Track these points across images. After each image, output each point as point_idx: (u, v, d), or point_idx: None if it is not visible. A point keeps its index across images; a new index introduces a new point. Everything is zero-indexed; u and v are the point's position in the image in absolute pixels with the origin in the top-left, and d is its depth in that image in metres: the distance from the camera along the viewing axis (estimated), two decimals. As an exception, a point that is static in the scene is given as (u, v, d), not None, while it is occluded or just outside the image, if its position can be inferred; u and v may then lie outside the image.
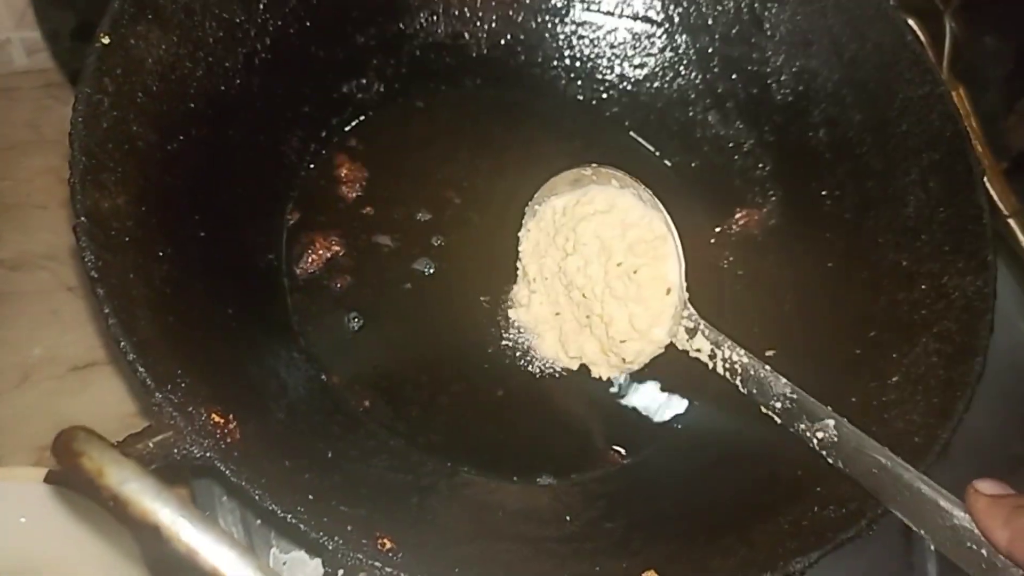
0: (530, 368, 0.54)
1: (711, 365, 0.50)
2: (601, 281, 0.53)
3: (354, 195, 0.58)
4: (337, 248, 0.55)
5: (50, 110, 0.88)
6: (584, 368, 0.54)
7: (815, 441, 0.44)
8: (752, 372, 0.48)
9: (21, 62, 0.91)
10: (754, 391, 0.48)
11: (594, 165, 0.54)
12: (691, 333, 0.51)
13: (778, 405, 0.46)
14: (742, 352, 0.49)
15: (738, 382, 0.49)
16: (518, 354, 0.54)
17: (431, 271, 0.56)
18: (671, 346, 0.52)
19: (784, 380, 0.46)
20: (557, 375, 0.54)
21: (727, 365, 0.49)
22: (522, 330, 0.55)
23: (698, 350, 0.51)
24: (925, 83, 0.53)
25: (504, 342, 0.54)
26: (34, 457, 0.70)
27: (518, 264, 0.57)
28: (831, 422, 0.43)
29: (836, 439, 0.43)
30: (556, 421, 0.53)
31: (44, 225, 0.80)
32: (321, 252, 0.55)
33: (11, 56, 0.90)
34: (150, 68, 0.47)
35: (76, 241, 0.39)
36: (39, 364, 0.73)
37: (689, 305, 0.52)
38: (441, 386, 0.52)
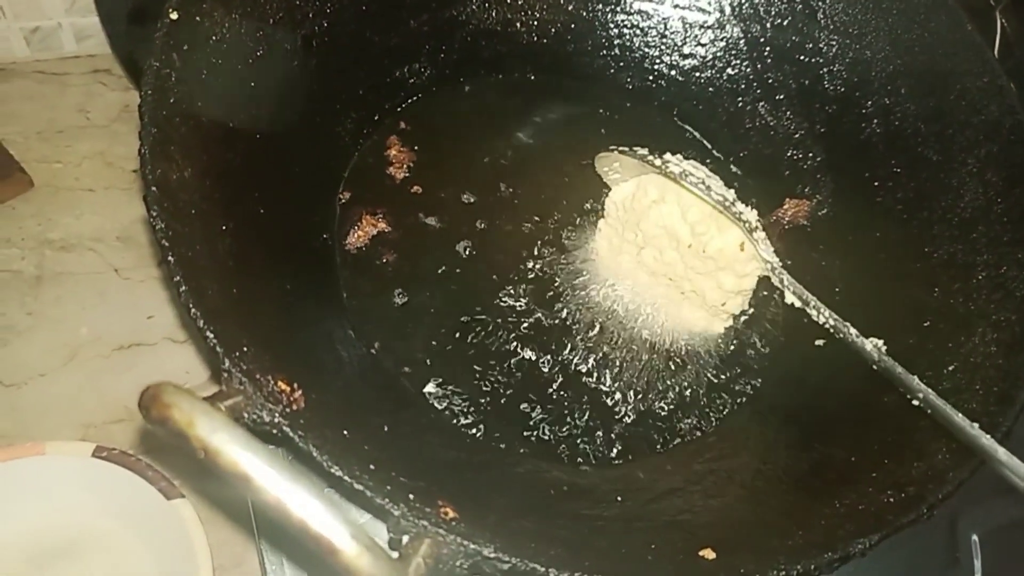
0: (571, 353, 0.54)
1: (812, 315, 0.52)
2: (680, 263, 0.53)
3: (402, 176, 0.58)
4: (384, 226, 0.56)
5: (98, 96, 0.90)
6: (629, 354, 0.54)
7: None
8: (840, 336, 0.49)
9: (70, 47, 0.92)
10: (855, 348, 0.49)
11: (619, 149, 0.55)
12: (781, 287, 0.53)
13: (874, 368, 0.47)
14: (828, 313, 0.50)
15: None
16: (563, 336, 0.54)
17: (472, 253, 0.56)
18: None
19: (872, 346, 0.48)
20: (603, 358, 0.54)
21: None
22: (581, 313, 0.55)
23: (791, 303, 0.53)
24: (984, 73, 0.53)
25: (551, 321, 0.55)
26: (80, 433, 0.71)
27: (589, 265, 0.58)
28: (920, 395, 0.44)
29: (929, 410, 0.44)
30: (602, 403, 0.52)
31: (92, 208, 0.82)
32: (368, 229, 0.55)
33: (61, 41, 0.92)
34: (214, 46, 0.47)
35: (147, 211, 0.40)
36: (86, 343, 0.75)
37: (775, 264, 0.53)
38: (488, 367, 0.52)
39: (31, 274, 0.77)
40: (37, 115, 0.88)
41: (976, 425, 0.42)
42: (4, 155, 0.81)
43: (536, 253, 0.57)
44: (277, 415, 0.36)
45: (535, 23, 0.65)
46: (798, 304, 0.53)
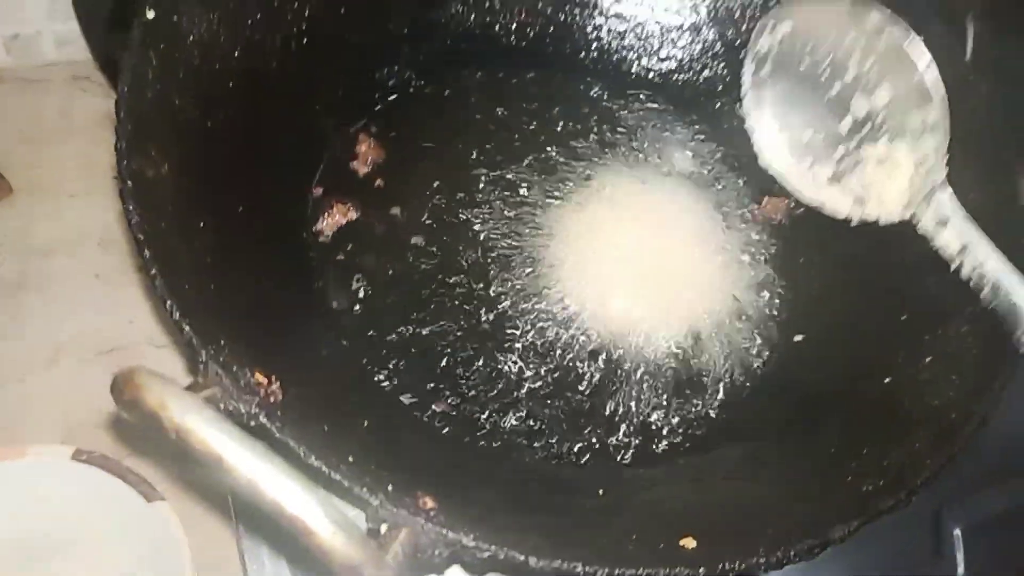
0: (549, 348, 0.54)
1: (954, 265, 0.47)
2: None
3: (371, 171, 0.59)
4: (354, 217, 0.56)
5: (79, 101, 0.90)
6: (621, 343, 0.54)
7: None
8: (1005, 292, 0.44)
9: (50, 54, 0.92)
10: (1000, 310, 0.44)
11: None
12: (942, 223, 0.48)
13: None
14: (1001, 264, 0.45)
15: (984, 295, 0.45)
16: (538, 331, 0.55)
17: (441, 247, 0.56)
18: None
19: None
20: (580, 350, 0.54)
21: (974, 273, 0.46)
22: (559, 304, 0.55)
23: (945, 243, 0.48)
24: (951, 73, 0.54)
25: (524, 314, 0.55)
26: (61, 436, 0.70)
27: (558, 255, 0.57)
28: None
29: None
30: (583, 400, 0.53)
31: (73, 213, 0.82)
32: (338, 218, 0.56)
33: (41, 48, 0.92)
34: (192, 44, 0.47)
35: (122, 204, 0.40)
36: (67, 347, 0.75)
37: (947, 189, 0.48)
38: (462, 365, 0.52)
39: (12, 279, 0.77)
40: (18, 121, 0.88)
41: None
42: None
43: (507, 245, 0.57)
44: (254, 406, 0.36)
45: (514, 26, 0.66)
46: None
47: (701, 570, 0.36)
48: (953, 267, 0.47)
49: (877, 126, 0.51)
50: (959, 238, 0.47)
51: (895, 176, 0.50)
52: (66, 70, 0.92)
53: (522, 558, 0.35)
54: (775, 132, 0.54)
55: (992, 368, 0.44)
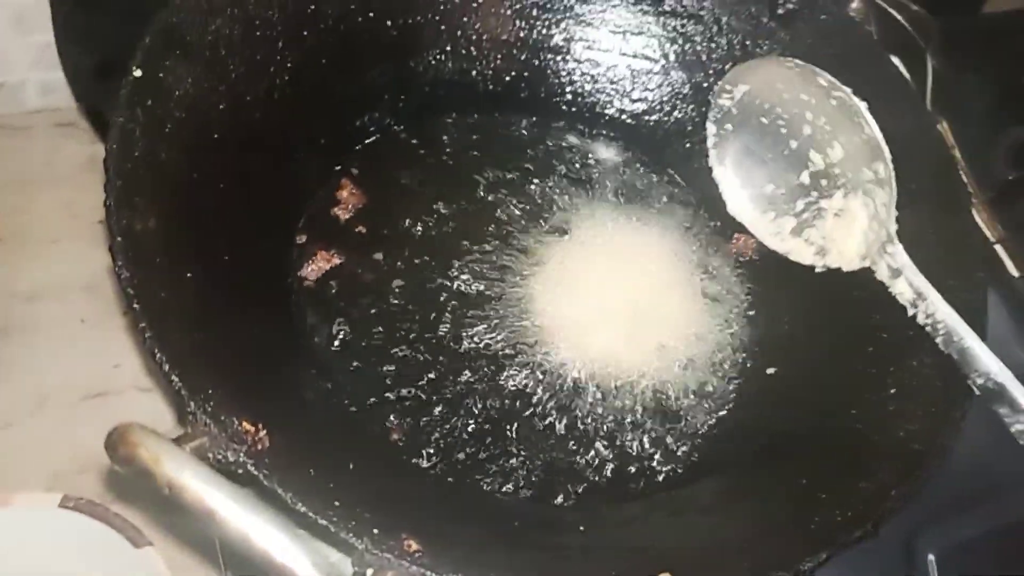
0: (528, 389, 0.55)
1: (910, 312, 0.49)
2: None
3: (351, 216, 0.60)
4: (337, 262, 0.57)
5: (64, 148, 0.91)
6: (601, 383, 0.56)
7: (1014, 428, 0.44)
8: (956, 339, 0.46)
9: (34, 101, 0.94)
10: (954, 356, 0.46)
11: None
12: (896, 274, 0.50)
13: (979, 381, 0.45)
14: (950, 313, 0.47)
15: (938, 341, 0.47)
16: (521, 372, 0.56)
17: (419, 290, 0.58)
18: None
19: (995, 359, 0.45)
20: (559, 391, 0.55)
21: (928, 320, 0.47)
22: (537, 344, 0.57)
23: (900, 292, 0.50)
24: (911, 112, 0.57)
25: (505, 356, 0.56)
26: (48, 483, 0.71)
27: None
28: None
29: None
30: (562, 438, 0.54)
31: (58, 259, 0.82)
32: (322, 265, 0.57)
33: (26, 96, 0.93)
34: (178, 99, 0.49)
35: (112, 260, 0.41)
36: (53, 393, 0.75)
37: (897, 244, 0.50)
38: (445, 404, 0.53)
39: (3, 327, 0.77)
40: (2, 168, 0.89)
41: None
42: (-32, 209, 0.82)
43: (485, 288, 0.59)
44: (242, 455, 0.37)
45: (490, 72, 0.68)
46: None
47: (678, 605, 0.37)
48: (910, 314, 0.49)
49: (833, 180, 0.53)
50: (912, 288, 0.49)
51: (852, 228, 0.52)
52: (51, 117, 0.93)
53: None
54: (738, 187, 0.56)
55: (953, 399, 0.46)
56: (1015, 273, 0.71)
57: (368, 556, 0.36)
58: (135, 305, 0.40)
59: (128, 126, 0.45)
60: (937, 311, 0.47)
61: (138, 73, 0.47)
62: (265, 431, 0.39)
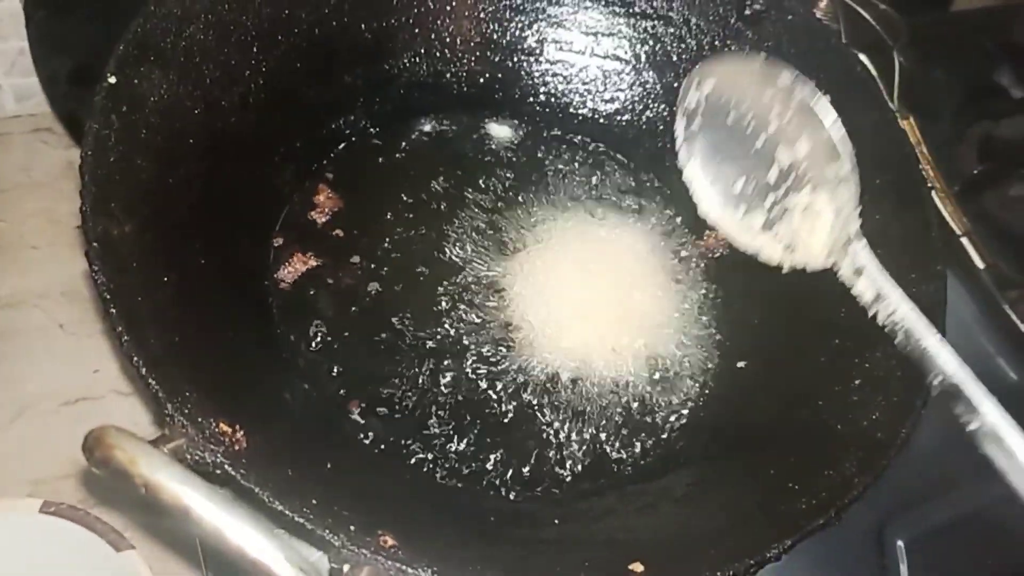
0: (500, 386, 0.56)
1: (871, 311, 0.49)
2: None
3: (328, 220, 0.61)
4: (314, 264, 0.58)
5: (40, 154, 0.91)
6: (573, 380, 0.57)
7: (969, 427, 0.44)
8: (915, 338, 0.46)
9: (11, 107, 0.94)
10: (913, 355, 0.46)
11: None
12: (858, 272, 0.50)
13: (937, 380, 0.45)
14: (910, 312, 0.47)
15: (898, 341, 0.47)
16: (491, 369, 0.57)
17: (394, 291, 0.58)
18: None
19: (952, 358, 0.45)
20: (534, 388, 0.56)
21: (888, 319, 0.48)
22: (512, 343, 0.58)
23: (861, 291, 0.50)
24: (874, 109, 0.58)
25: (478, 355, 0.57)
26: (28, 489, 0.71)
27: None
28: (989, 416, 0.43)
29: (989, 431, 0.43)
30: (538, 433, 0.55)
31: (37, 265, 0.83)
32: (299, 267, 0.58)
33: (1, 102, 0.93)
34: (152, 106, 0.50)
35: (88, 265, 0.42)
36: (32, 400, 0.75)
37: (862, 243, 0.51)
38: (420, 403, 0.54)
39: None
40: (-21, 175, 0.89)
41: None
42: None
43: (457, 291, 0.60)
44: (219, 455, 0.38)
45: (464, 74, 0.69)
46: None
47: (647, 592, 0.38)
48: (870, 313, 0.49)
49: (800, 176, 0.54)
50: (873, 287, 0.50)
51: (818, 225, 0.53)
52: (27, 123, 0.93)
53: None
54: (708, 184, 0.57)
55: (915, 389, 0.47)
56: (980, 265, 0.72)
57: (345, 552, 0.37)
58: (111, 309, 0.40)
59: (103, 132, 0.46)
60: (897, 310, 0.48)
61: (112, 80, 0.47)
62: (242, 432, 0.40)
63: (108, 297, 0.41)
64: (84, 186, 0.43)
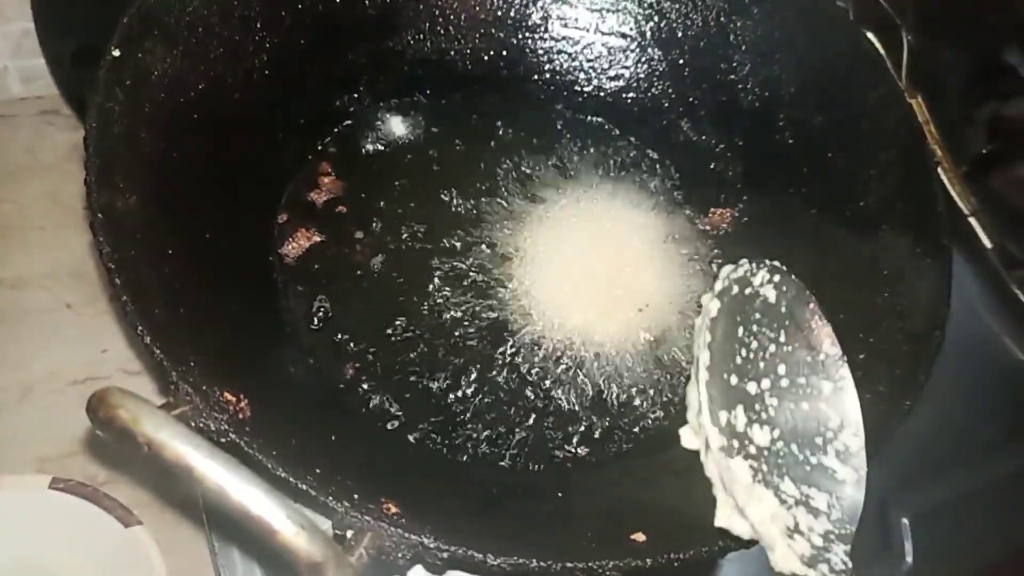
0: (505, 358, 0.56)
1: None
2: None
3: (331, 197, 0.61)
4: (318, 240, 0.58)
5: (46, 136, 0.91)
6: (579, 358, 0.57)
7: None
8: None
9: (17, 90, 0.94)
10: None
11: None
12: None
13: None
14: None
15: None
16: (496, 342, 0.57)
17: (396, 265, 0.58)
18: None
19: None
20: (539, 362, 0.56)
21: None
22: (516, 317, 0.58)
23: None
24: (881, 85, 0.58)
25: (482, 328, 0.57)
26: (36, 467, 0.71)
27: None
28: None
29: None
30: (540, 408, 0.55)
31: (43, 246, 0.83)
32: (303, 243, 0.58)
33: (8, 84, 0.93)
34: (156, 80, 0.50)
35: (93, 236, 0.42)
36: (40, 380, 0.75)
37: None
38: (425, 376, 0.54)
39: (-16, 313, 0.78)
40: (-14, 157, 0.89)
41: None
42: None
43: (465, 265, 0.60)
44: (223, 423, 0.38)
45: (469, 51, 0.68)
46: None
47: (648, 560, 0.38)
48: None
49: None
50: None
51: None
52: (33, 105, 0.93)
53: (480, 556, 0.37)
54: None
55: (917, 361, 0.47)
56: (988, 245, 0.72)
57: (348, 518, 0.37)
58: (116, 280, 0.40)
59: (107, 105, 0.46)
60: None
61: (116, 53, 0.47)
62: (246, 401, 0.40)
63: (112, 267, 0.41)
64: (88, 158, 0.44)
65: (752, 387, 0.43)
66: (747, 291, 0.45)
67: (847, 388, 0.43)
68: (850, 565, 0.38)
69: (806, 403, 0.43)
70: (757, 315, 0.45)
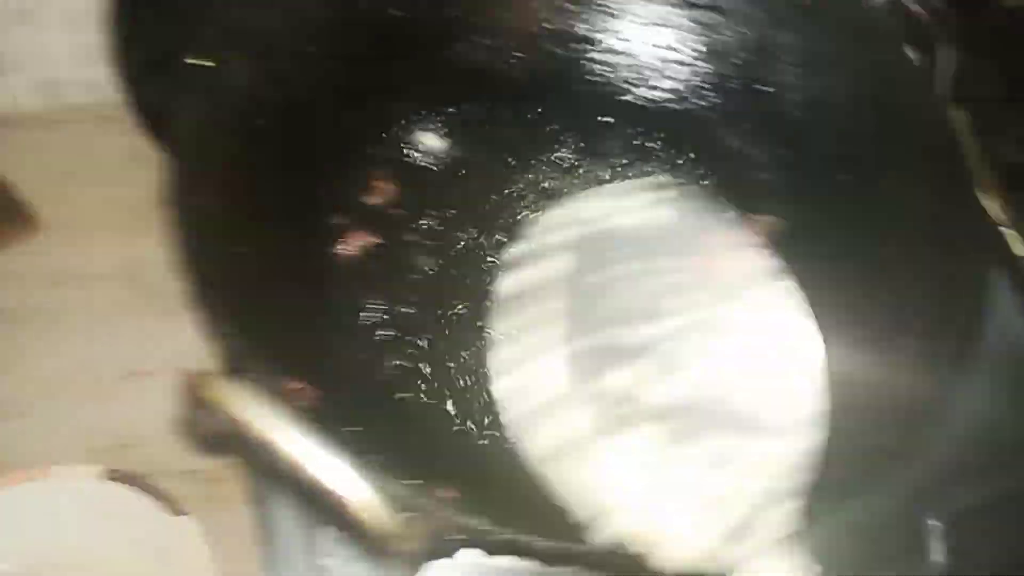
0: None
1: None
2: None
3: (388, 201, 0.63)
4: (372, 242, 0.61)
5: (104, 141, 0.94)
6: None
7: None
8: None
9: (78, 96, 0.97)
10: None
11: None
12: None
13: None
14: None
15: None
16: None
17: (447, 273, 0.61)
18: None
19: None
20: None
21: None
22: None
23: None
24: (923, 98, 0.59)
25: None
26: (84, 459, 0.73)
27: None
28: None
29: None
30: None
31: (99, 248, 0.85)
32: (359, 244, 0.60)
33: (68, 91, 0.96)
34: (232, 88, 0.53)
35: (173, 232, 0.44)
36: (91, 372, 0.77)
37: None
38: (476, 375, 0.56)
39: (41, 308, 0.81)
40: (46, 161, 0.92)
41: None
42: (13, 199, 0.85)
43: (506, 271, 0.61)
44: (292, 409, 0.40)
45: (520, 62, 0.70)
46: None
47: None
48: None
49: None
50: None
51: None
52: (92, 112, 0.96)
53: (532, 541, 0.39)
54: None
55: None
56: (1024, 256, 0.72)
57: (406, 502, 0.39)
58: (189, 274, 0.43)
59: (187, 112, 0.49)
60: None
61: (195, 62, 0.51)
62: (311, 389, 0.43)
63: (187, 262, 0.43)
64: (170, 159, 0.46)
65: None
66: None
67: None
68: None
69: None
70: None
